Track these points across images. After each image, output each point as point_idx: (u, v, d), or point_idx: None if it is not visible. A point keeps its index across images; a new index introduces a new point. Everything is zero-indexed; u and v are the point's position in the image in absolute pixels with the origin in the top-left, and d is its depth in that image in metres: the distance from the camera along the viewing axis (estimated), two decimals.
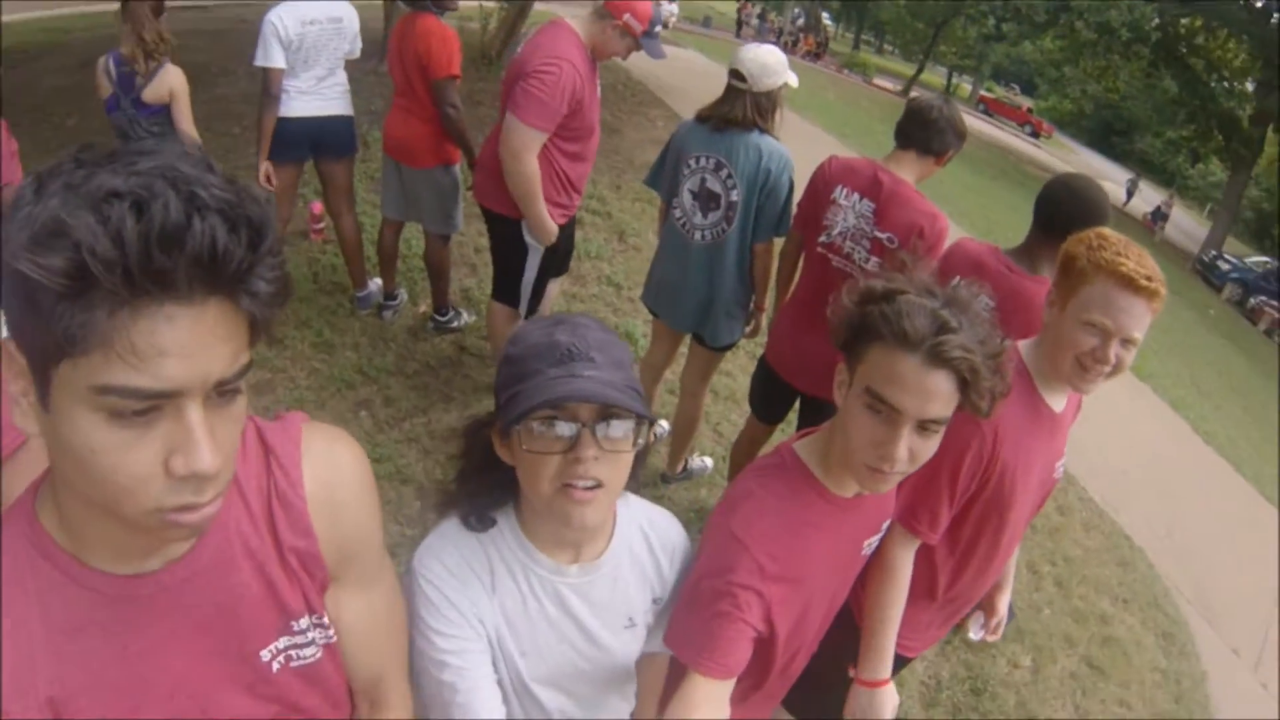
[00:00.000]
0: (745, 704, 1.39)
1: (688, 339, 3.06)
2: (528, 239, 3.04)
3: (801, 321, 2.60)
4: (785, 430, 3.06)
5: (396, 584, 1.01)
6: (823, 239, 2.50)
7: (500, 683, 1.12)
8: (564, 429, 0.96)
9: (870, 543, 1.42)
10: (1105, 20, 20.34)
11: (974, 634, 2.05)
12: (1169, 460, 5.87)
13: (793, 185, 2.66)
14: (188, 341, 0.58)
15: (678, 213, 2.77)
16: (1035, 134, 34.53)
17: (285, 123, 3.47)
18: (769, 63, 2.55)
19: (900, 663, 1.75)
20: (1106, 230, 1.46)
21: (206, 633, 0.78)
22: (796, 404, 2.78)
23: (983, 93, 33.62)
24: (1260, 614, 4.42)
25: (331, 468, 0.86)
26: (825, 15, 40.39)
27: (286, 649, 0.85)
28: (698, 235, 2.73)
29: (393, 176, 3.65)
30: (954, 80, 40.25)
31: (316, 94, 3.52)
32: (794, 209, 2.67)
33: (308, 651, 0.87)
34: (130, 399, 0.58)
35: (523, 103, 2.69)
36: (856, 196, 2.41)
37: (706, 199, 2.67)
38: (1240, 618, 4.29)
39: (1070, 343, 1.41)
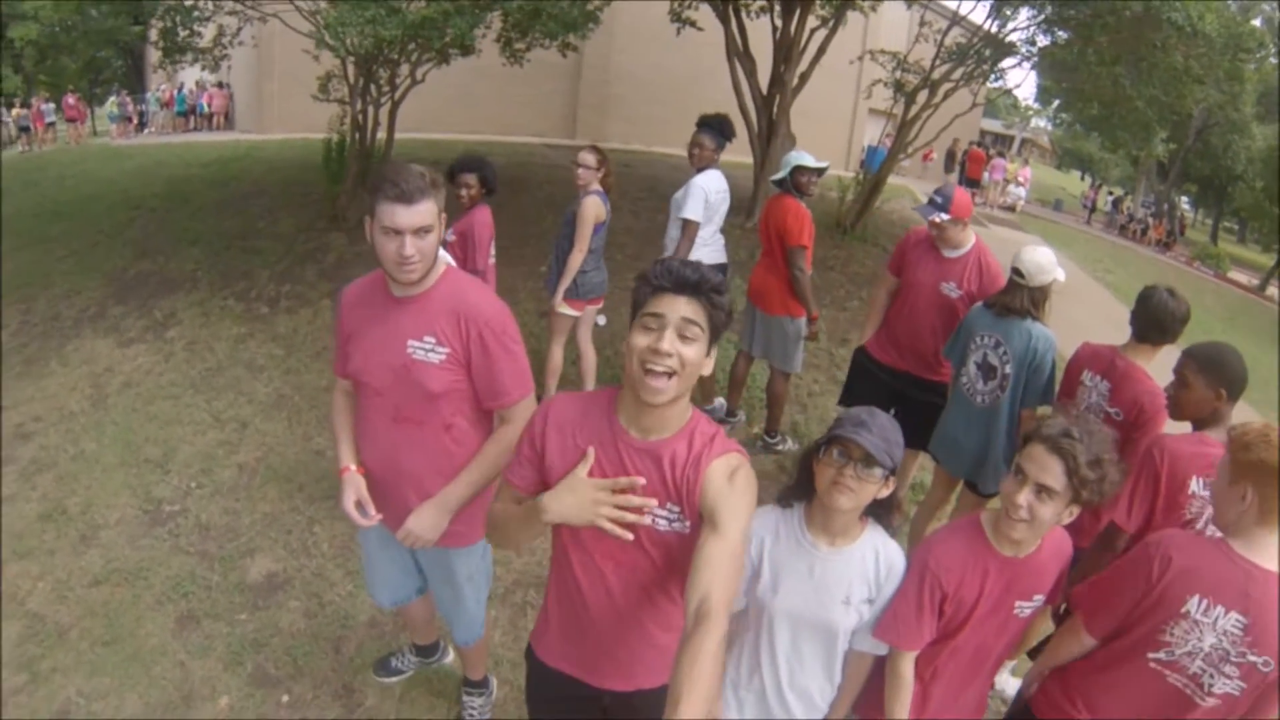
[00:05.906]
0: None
1: (959, 486, 3.60)
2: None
3: None
4: None
5: (743, 548, 1.52)
6: (1074, 413, 3.03)
7: (751, 607, 1.90)
8: (841, 457, 1.75)
9: (1022, 606, 1.94)
10: None
11: None
12: None
13: (1054, 364, 3.21)
14: (669, 305, 1.48)
15: (964, 379, 3.40)
16: None
17: None
18: (1042, 263, 3.21)
19: None
20: None
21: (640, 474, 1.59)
22: None
23: None
24: None
25: (731, 464, 1.57)
26: (1184, 199, 36.29)
27: (658, 516, 1.58)
28: (978, 399, 3.35)
29: (750, 317, 4.63)
30: None
31: (713, 244, 4.55)
32: (1058, 383, 3.21)
33: (661, 525, 1.58)
34: (648, 319, 1.49)
35: None
36: (1098, 378, 2.96)
37: (987, 370, 3.31)
38: None
39: None
